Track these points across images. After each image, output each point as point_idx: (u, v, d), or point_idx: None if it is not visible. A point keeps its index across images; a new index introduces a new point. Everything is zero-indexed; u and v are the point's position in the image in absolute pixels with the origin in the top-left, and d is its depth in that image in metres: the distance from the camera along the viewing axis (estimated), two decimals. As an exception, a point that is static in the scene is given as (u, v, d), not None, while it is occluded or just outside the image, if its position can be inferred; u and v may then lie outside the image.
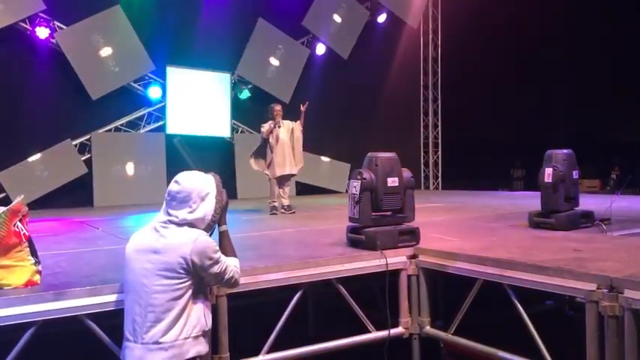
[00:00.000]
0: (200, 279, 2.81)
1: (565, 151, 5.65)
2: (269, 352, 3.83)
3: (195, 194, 2.85)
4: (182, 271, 2.72)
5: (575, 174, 5.66)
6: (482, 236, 5.33)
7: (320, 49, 13.69)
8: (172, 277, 2.72)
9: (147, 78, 11.84)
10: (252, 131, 12.60)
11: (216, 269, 2.81)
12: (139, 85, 11.81)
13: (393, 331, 4.32)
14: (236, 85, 12.77)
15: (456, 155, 15.45)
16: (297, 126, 8.63)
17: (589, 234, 5.27)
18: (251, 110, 12.46)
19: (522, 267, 3.75)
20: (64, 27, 10.94)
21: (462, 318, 4.17)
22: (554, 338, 3.67)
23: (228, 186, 11.48)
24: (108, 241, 5.79)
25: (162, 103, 11.99)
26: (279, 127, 8.48)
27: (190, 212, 2.84)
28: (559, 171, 5.49)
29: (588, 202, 6.38)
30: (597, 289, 3.25)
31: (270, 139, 8.51)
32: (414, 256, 4.50)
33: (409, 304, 4.43)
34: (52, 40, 10.78)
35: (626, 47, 14.74)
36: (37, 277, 3.29)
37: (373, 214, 4.53)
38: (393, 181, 4.53)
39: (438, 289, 4.82)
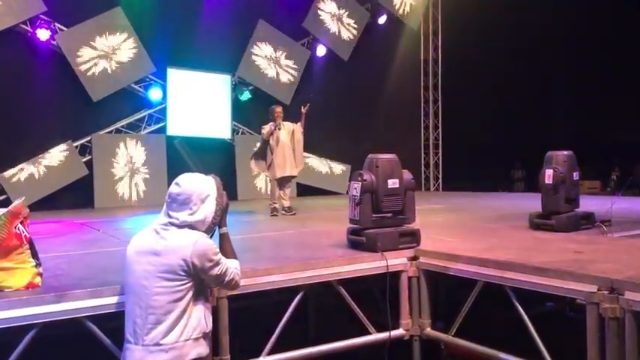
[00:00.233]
0: (200, 281, 2.81)
1: (565, 152, 5.65)
2: (270, 353, 3.83)
3: (196, 196, 2.86)
4: (182, 273, 2.72)
5: (575, 175, 5.66)
6: (483, 237, 5.33)
7: (320, 50, 13.69)
8: (173, 279, 2.72)
9: (147, 79, 11.85)
10: (252, 132, 12.62)
11: (216, 271, 2.82)
12: (140, 86, 11.81)
13: (394, 332, 4.32)
14: (237, 87, 12.78)
15: (456, 156, 15.44)
16: (298, 127, 8.63)
17: (589, 235, 5.27)
18: (251, 112, 12.47)
19: (523, 269, 3.75)
20: (65, 28, 10.94)
21: (463, 319, 4.17)
22: (555, 340, 3.67)
23: (229, 187, 11.45)
24: (108, 242, 5.79)
25: (163, 105, 12.00)
26: (280, 129, 8.48)
27: (191, 214, 2.84)
28: (559, 172, 5.49)
29: (589, 204, 6.37)
30: (598, 290, 3.26)
31: (271, 141, 8.51)
32: (414, 258, 4.50)
33: (410, 305, 4.43)
34: (52, 41, 10.79)
35: (627, 48, 14.75)
36: (37, 279, 3.30)
37: (374, 215, 4.53)
38: (393, 183, 4.53)
39: (439, 290, 4.82)
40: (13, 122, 10.35)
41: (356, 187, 4.51)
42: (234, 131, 12.83)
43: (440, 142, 15.94)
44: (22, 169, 10.49)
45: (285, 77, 13.21)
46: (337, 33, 13.85)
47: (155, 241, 2.79)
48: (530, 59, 15.53)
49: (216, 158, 12.39)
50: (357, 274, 4.27)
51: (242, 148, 12.53)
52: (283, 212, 8.57)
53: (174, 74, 11.96)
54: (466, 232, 5.90)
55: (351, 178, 4.67)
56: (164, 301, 2.71)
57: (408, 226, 4.68)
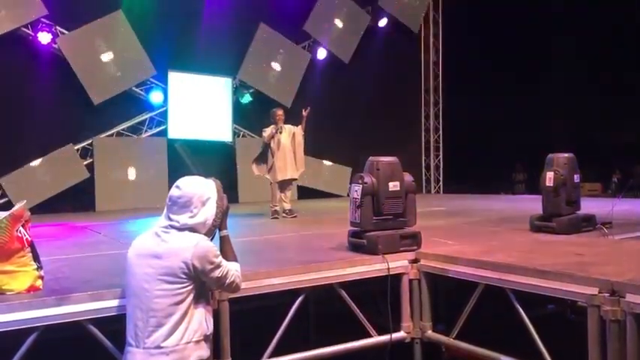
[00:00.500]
0: (201, 283, 2.82)
1: (566, 154, 5.65)
2: (271, 356, 3.83)
3: (196, 199, 2.86)
4: (183, 276, 2.73)
5: (576, 178, 5.65)
6: (484, 240, 5.33)
7: (321, 53, 13.72)
8: (173, 281, 2.72)
9: (148, 83, 11.88)
10: (253, 135, 12.63)
11: (217, 274, 2.82)
12: (141, 89, 11.84)
13: (395, 335, 4.32)
14: (237, 90, 12.80)
15: (457, 159, 15.45)
16: (299, 130, 8.63)
17: (590, 238, 5.27)
18: (252, 114, 12.49)
19: (523, 271, 3.75)
20: (66, 32, 10.98)
21: (464, 322, 4.17)
22: (556, 342, 3.66)
23: (230, 190, 11.46)
24: (110, 245, 5.79)
25: (164, 108, 12.01)
26: (281, 132, 8.48)
27: (191, 217, 2.84)
28: (560, 175, 5.49)
29: (590, 206, 6.37)
30: (599, 293, 3.25)
31: (272, 144, 8.51)
32: (415, 261, 4.50)
33: (411, 308, 4.43)
34: (54, 45, 10.83)
35: (626, 50, 14.76)
36: (39, 283, 3.30)
37: (374, 218, 4.53)
38: (394, 186, 4.53)
39: (440, 293, 4.82)
40: (15, 125, 10.38)
41: (357, 190, 4.51)
42: (235, 134, 12.85)
43: (440, 144, 15.96)
44: (23, 172, 10.50)
45: (285, 80, 13.22)
46: (338, 36, 13.87)
47: (156, 244, 2.80)
48: (530, 61, 15.54)
49: (217, 161, 12.41)
50: (358, 276, 4.26)
51: (243, 151, 12.55)
52: (284, 215, 8.57)
53: (175, 77, 11.98)
54: (467, 234, 5.90)
55: (352, 181, 4.67)
56: (165, 303, 2.71)
57: (409, 229, 4.68)
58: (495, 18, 14.10)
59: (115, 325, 3.21)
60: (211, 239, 2.92)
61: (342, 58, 13.94)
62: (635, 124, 14.64)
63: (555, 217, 5.53)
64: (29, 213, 3.29)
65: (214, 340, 3.29)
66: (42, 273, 3.34)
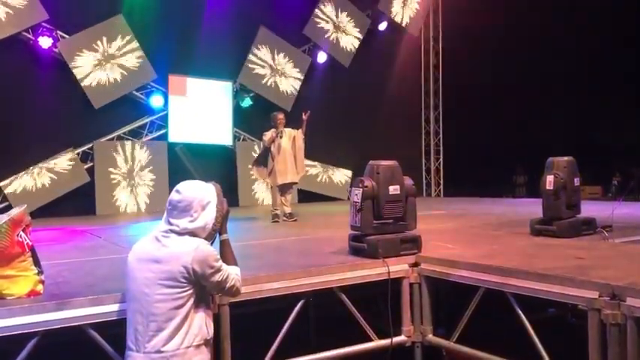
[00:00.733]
0: (201, 288, 2.82)
1: (566, 158, 5.66)
2: (271, 360, 3.83)
3: (197, 203, 2.86)
4: (183, 280, 2.73)
5: (576, 181, 5.66)
6: (484, 244, 5.33)
7: (321, 57, 13.73)
8: (174, 286, 2.72)
9: (149, 87, 11.88)
10: (253, 139, 12.64)
11: (217, 278, 2.82)
12: (141, 93, 11.85)
13: (396, 339, 4.32)
14: (238, 94, 12.81)
15: (457, 162, 15.45)
16: (299, 134, 8.64)
17: (591, 241, 5.27)
18: (252, 118, 12.50)
19: (524, 275, 3.75)
20: (67, 36, 11.00)
21: (465, 326, 4.17)
22: (557, 346, 3.66)
23: (230, 193, 11.55)
24: (110, 250, 5.80)
25: (165, 112, 12.03)
26: (281, 137, 8.48)
27: (191, 221, 2.84)
28: (560, 178, 5.50)
29: (590, 209, 6.37)
30: (599, 297, 3.25)
31: (272, 148, 8.52)
32: (415, 264, 4.50)
33: (411, 312, 4.43)
34: (54, 49, 10.84)
35: (626, 53, 14.77)
36: (39, 287, 3.30)
37: (375, 222, 4.53)
38: (394, 189, 4.54)
39: (440, 296, 4.82)
40: (15, 129, 10.39)
41: (357, 194, 4.51)
42: (236, 138, 12.85)
43: (441, 147, 15.96)
44: (23, 177, 10.51)
45: (286, 84, 13.25)
46: (338, 40, 13.90)
47: (156, 249, 2.80)
48: (530, 64, 15.55)
49: (217, 165, 12.41)
50: (358, 280, 4.26)
51: (243, 155, 12.57)
52: (284, 218, 8.57)
53: (175, 81, 11.99)
54: (467, 238, 5.90)
55: (352, 185, 4.67)
56: (165, 308, 2.71)
57: (409, 233, 4.68)
58: (496, 20, 14.10)
59: (115, 330, 3.21)
60: (211, 243, 2.93)
61: (342, 61, 13.95)
62: (636, 125, 14.64)
63: (555, 221, 5.53)
64: (29, 217, 3.30)
65: (215, 344, 3.29)
66: (42, 277, 3.34)
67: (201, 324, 2.81)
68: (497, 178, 16.05)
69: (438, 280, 4.41)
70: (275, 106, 11.79)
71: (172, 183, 3.26)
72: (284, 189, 8.63)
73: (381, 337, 4.29)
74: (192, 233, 2.84)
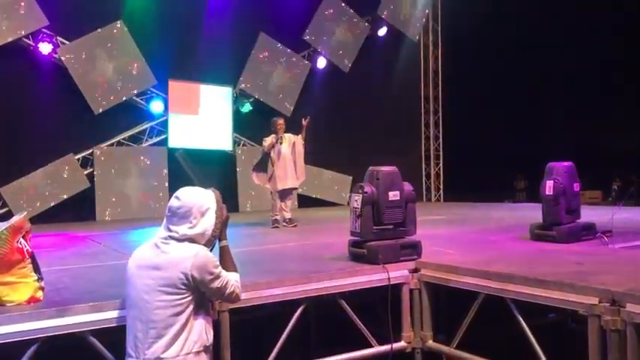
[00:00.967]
0: (201, 294, 2.82)
1: (566, 163, 5.67)
2: (271, 366, 3.83)
3: (196, 209, 2.87)
4: (183, 287, 2.73)
5: (576, 186, 5.67)
6: (484, 249, 5.33)
7: (321, 62, 13.76)
8: (173, 292, 2.72)
9: (149, 92, 11.91)
10: (253, 144, 12.65)
11: (216, 284, 2.82)
12: (141, 99, 11.87)
13: (396, 345, 4.31)
14: (238, 99, 12.83)
15: (457, 167, 15.45)
16: (299, 140, 8.64)
17: (591, 246, 5.27)
18: (252, 123, 12.51)
19: (524, 281, 3.75)
20: (67, 42, 11.02)
21: (465, 332, 4.17)
22: (557, 351, 3.66)
23: (230, 199, 11.56)
24: (110, 256, 5.80)
25: (165, 117, 12.04)
26: (281, 143, 8.49)
27: (191, 228, 2.85)
28: (560, 183, 5.50)
29: (590, 214, 6.38)
30: (599, 303, 3.25)
31: (272, 153, 8.52)
32: (415, 270, 4.50)
33: (411, 318, 4.43)
34: (54, 55, 10.87)
35: (626, 59, 14.79)
36: (39, 294, 3.30)
37: (375, 227, 4.53)
38: (394, 195, 4.54)
39: (440, 302, 4.81)
40: (16, 135, 10.42)
41: (357, 200, 4.51)
42: (236, 143, 12.86)
43: (440, 152, 15.98)
44: (24, 182, 10.52)
45: (285, 89, 13.26)
46: (337, 45, 13.92)
47: (155, 255, 2.80)
48: (530, 69, 15.57)
49: (217, 170, 12.42)
50: (358, 286, 4.26)
51: (243, 160, 12.58)
52: (284, 224, 8.57)
53: (175, 86, 12.01)
54: (467, 243, 5.90)
55: (352, 191, 4.67)
56: (165, 315, 2.72)
57: (409, 238, 4.68)
58: (495, 26, 14.13)
59: (115, 336, 3.21)
60: (211, 250, 2.93)
61: (342, 67, 13.98)
62: (637, 133, 14.64)
63: (555, 226, 5.53)
64: (29, 224, 3.30)
65: (215, 350, 3.28)
66: (42, 284, 3.34)
67: (200, 330, 2.81)
68: (498, 183, 16.04)
69: (438, 286, 4.41)
70: (275, 112, 11.83)
71: (172, 188, 3.27)
72: (284, 195, 8.63)
73: (381, 343, 4.29)
74: (192, 240, 2.85)
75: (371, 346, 4.27)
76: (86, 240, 7.54)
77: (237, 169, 12.66)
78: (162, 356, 2.70)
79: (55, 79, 10.99)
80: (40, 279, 3.32)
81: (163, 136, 12.08)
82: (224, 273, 2.89)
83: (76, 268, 4.94)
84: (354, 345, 4.27)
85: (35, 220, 9.12)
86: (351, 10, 14.04)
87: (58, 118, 10.93)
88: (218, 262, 2.89)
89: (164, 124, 12.07)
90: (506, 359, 3.88)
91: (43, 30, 10.70)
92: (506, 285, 3.83)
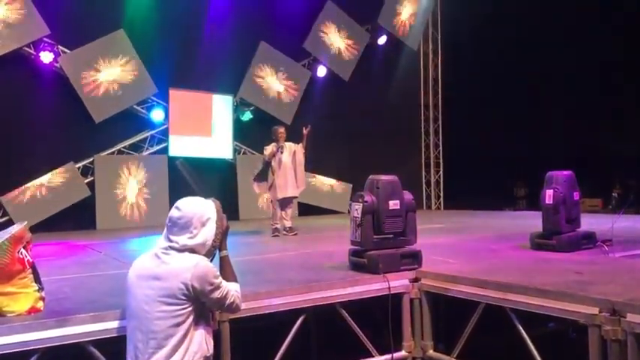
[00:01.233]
0: (201, 304, 2.82)
1: (565, 172, 5.68)
2: (272, 376, 3.83)
3: (196, 219, 2.87)
4: (183, 297, 2.73)
5: (575, 195, 5.67)
6: (484, 258, 5.33)
7: (321, 71, 13.80)
8: (173, 303, 2.73)
9: (150, 101, 11.94)
10: (254, 152, 12.67)
11: (217, 295, 2.82)
12: (142, 107, 11.90)
13: (396, 354, 4.31)
14: (238, 107, 12.86)
15: (457, 175, 15.46)
16: (300, 148, 8.66)
17: (591, 256, 5.27)
18: (253, 132, 12.54)
19: (524, 290, 3.75)
20: (68, 51, 11.06)
21: (465, 341, 4.16)
22: (557, 361, 3.66)
23: (230, 207, 11.55)
24: (110, 265, 5.80)
25: (165, 126, 12.06)
26: (282, 152, 8.50)
27: (191, 238, 2.85)
28: (559, 192, 5.51)
29: (590, 222, 6.38)
30: (599, 313, 3.26)
31: (273, 162, 8.53)
32: (416, 280, 4.50)
33: (412, 327, 4.42)
34: (55, 64, 10.91)
35: (627, 65, 14.81)
36: (40, 304, 3.30)
37: (375, 237, 4.54)
38: (394, 204, 4.54)
39: (441, 311, 4.81)
40: (16, 143, 10.44)
41: (357, 209, 4.52)
42: (236, 151, 12.88)
43: (441, 160, 15.99)
44: (24, 191, 10.53)
45: (286, 98, 13.30)
46: (337, 54, 13.97)
47: (156, 266, 2.81)
48: (529, 76, 15.60)
49: (217, 178, 12.44)
50: (358, 296, 4.26)
51: (243, 168, 12.58)
52: (285, 233, 8.57)
53: (176, 95, 12.04)
54: (467, 252, 5.90)
55: (352, 199, 4.68)
56: (165, 325, 2.72)
57: (410, 248, 4.68)
58: (494, 32, 14.18)
59: (115, 346, 3.21)
60: (211, 260, 2.93)
61: (342, 75, 14.02)
62: (637, 140, 14.64)
63: (555, 235, 5.54)
64: (30, 234, 3.31)
65: (215, 361, 3.29)
66: (43, 294, 3.34)
67: (201, 341, 2.81)
68: (498, 191, 16.04)
69: (438, 296, 4.41)
70: (275, 120, 11.85)
71: (173, 197, 3.28)
72: (284, 203, 8.64)
73: (381, 353, 4.28)
74: (192, 250, 2.85)
75: (371, 356, 4.27)
76: (86, 249, 7.54)
77: (238, 178, 12.66)
78: (162, 366, 2.70)
79: (55, 88, 11.01)
80: (40, 289, 3.32)
81: (164, 145, 12.10)
82: (224, 283, 2.89)
83: (77, 278, 4.94)
84: (354, 354, 4.26)
85: (36, 228, 9.10)
86: (351, 19, 14.09)
87: (58, 126, 10.94)
88: (218, 273, 2.89)
89: (165, 133, 12.09)
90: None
91: (45, 39, 10.74)
92: (506, 295, 3.84)
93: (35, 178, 10.66)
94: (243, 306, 3.10)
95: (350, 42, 14.12)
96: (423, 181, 15.98)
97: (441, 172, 15.96)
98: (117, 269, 5.20)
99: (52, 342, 3.14)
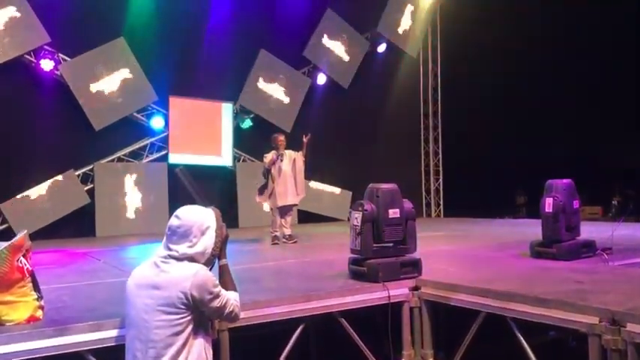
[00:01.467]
0: (200, 314, 2.81)
1: (565, 180, 5.68)
2: (271, 386, 3.81)
3: (196, 228, 2.87)
4: (182, 306, 2.72)
5: (575, 204, 5.67)
6: (484, 266, 5.33)
7: (321, 78, 13.83)
8: (172, 312, 2.72)
9: (150, 108, 11.95)
10: (254, 160, 12.68)
11: (216, 303, 2.82)
12: (142, 115, 11.92)
13: (396, 364, 4.30)
14: (238, 115, 12.88)
15: (457, 183, 15.46)
16: (299, 156, 8.66)
17: (591, 264, 5.26)
18: (253, 139, 12.55)
19: (524, 299, 3.75)
20: (69, 59, 11.09)
21: (465, 350, 4.15)
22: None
23: (230, 215, 11.55)
24: (110, 273, 5.79)
25: (165, 133, 12.07)
26: (282, 160, 8.50)
27: (190, 246, 2.85)
28: (559, 201, 5.51)
29: (590, 230, 6.38)
30: (599, 322, 3.25)
31: (272, 170, 8.53)
32: (416, 288, 4.49)
33: (412, 336, 4.42)
34: (56, 71, 10.93)
35: (627, 72, 14.85)
36: (39, 313, 3.30)
37: (375, 245, 4.53)
38: (394, 213, 4.54)
39: (440, 320, 4.80)
40: (16, 151, 10.44)
41: (357, 217, 4.52)
42: (236, 158, 12.89)
43: (440, 168, 16.01)
44: (24, 198, 10.52)
45: (286, 105, 13.32)
46: (337, 61, 14.00)
47: (155, 274, 2.80)
48: (529, 84, 15.63)
49: (217, 186, 12.44)
50: (358, 305, 4.26)
51: (243, 176, 12.59)
52: (284, 240, 8.56)
53: (176, 102, 12.06)
54: (467, 260, 5.90)
55: (352, 208, 4.68)
56: (164, 334, 2.71)
57: (410, 256, 4.68)
58: (494, 42, 14.22)
59: (114, 355, 3.20)
60: (210, 269, 2.93)
61: (342, 83, 14.05)
62: (637, 148, 14.65)
63: (555, 243, 5.54)
64: (30, 242, 3.30)
65: (214, 370, 3.28)
66: (42, 303, 3.34)
67: (200, 350, 2.80)
68: (498, 199, 16.03)
69: (438, 304, 4.40)
70: (275, 128, 11.86)
71: (172, 204, 3.28)
72: (284, 211, 8.63)
73: (381, 362, 4.28)
74: (192, 259, 2.84)
75: (371, 365, 4.26)
76: (86, 256, 7.54)
77: (237, 185, 12.66)
78: (161, 376, 2.69)
79: (56, 96, 11.03)
80: (39, 298, 3.32)
81: (164, 152, 12.11)
82: (223, 292, 2.89)
83: (76, 286, 4.93)
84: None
85: (35, 236, 9.08)
86: (351, 27, 14.13)
87: (58, 133, 10.95)
88: (217, 282, 2.89)
89: (164, 140, 12.10)
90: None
91: (45, 47, 10.76)
92: (506, 303, 3.83)
93: (35, 186, 10.66)
94: (242, 315, 3.10)
95: (350, 50, 14.16)
96: (423, 188, 15.98)
97: (441, 179, 15.97)
98: (116, 277, 5.19)
99: (51, 351, 3.14)
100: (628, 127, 15.18)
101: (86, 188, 11.23)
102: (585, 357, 3.34)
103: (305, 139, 8.61)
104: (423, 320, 4.42)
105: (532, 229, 6.85)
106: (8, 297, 3.17)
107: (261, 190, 8.79)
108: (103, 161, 11.52)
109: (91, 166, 11.36)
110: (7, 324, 3.16)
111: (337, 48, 13.99)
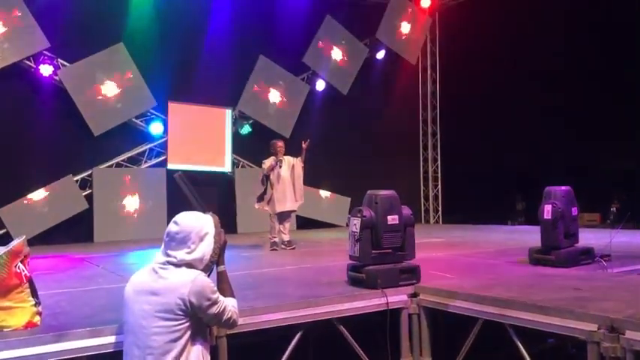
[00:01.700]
0: (199, 320, 2.81)
1: (563, 187, 5.70)
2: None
3: (194, 234, 2.87)
4: (180, 313, 2.72)
5: (574, 210, 5.69)
6: (483, 273, 5.33)
7: (320, 84, 13.84)
8: (170, 318, 2.72)
9: (149, 114, 11.95)
10: (252, 165, 12.67)
11: (214, 310, 2.81)
12: (141, 120, 11.92)
13: (395, 370, 4.29)
14: (237, 121, 12.89)
15: (456, 189, 15.45)
16: (298, 162, 8.66)
17: (589, 271, 5.27)
18: (251, 145, 12.54)
19: (523, 306, 3.75)
20: (68, 64, 11.09)
21: (464, 357, 4.14)
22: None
23: (228, 221, 11.55)
24: (108, 279, 5.78)
25: (164, 139, 12.07)
26: (281, 167, 8.50)
27: (189, 253, 2.85)
28: (558, 208, 5.52)
29: (588, 237, 6.39)
30: (598, 329, 3.25)
31: (271, 176, 8.53)
32: (414, 295, 4.49)
33: (410, 343, 4.41)
34: (55, 77, 10.93)
35: (626, 79, 14.87)
36: (37, 319, 3.29)
37: (373, 252, 4.53)
38: (393, 219, 4.54)
39: (439, 327, 4.79)
40: (15, 156, 10.43)
41: (355, 224, 4.52)
42: (234, 164, 12.89)
43: (439, 174, 16.01)
44: (22, 203, 10.51)
45: (285, 111, 13.33)
46: (336, 68, 14.02)
47: (153, 281, 2.80)
48: (529, 91, 15.66)
49: (216, 191, 12.43)
50: (357, 311, 4.25)
51: (242, 181, 12.58)
52: (283, 246, 8.55)
53: (175, 108, 12.07)
54: (466, 267, 5.90)
55: (351, 214, 4.68)
56: (162, 341, 2.70)
57: (408, 263, 4.68)
58: (493, 48, 14.25)
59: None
60: (208, 275, 2.92)
61: (341, 89, 14.06)
62: (636, 155, 14.66)
63: (554, 250, 5.54)
64: (28, 248, 3.30)
65: (212, 377, 3.27)
66: (40, 309, 3.33)
67: (198, 356, 2.80)
68: (497, 205, 16.03)
69: (436, 311, 4.40)
70: (274, 134, 11.85)
71: (171, 210, 3.28)
72: (282, 217, 8.62)
73: (379, 369, 4.26)
74: (190, 265, 2.84)
75: (370, 372, 4.25)
76: (84, 262, 7.52)
77: (236, 191, 12.66)
78: (159, 382, 2.68)
79: (55, 101, 11.02)
80: (37, 304, 3.31)
81: (162, 158, 12.10)
82: (221, 298, 2.88)
83: (74, 292, 4.93)
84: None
85: (33, 241, 9.06)
86: (350, 34, 14.15)
87: (57, 139, 10.95)
88: (216, 288, 2.89)
89: (163, 146, 12.10)
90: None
91: (44, 52, 10.77)
92: (505, 310, 3.83)
93: (33, 191, 10.64)
94: (240, 321, 3.09)
95: (349, 56, 14.18)
96: (422, 195, 15.98)
97: (440, 186, 15.97)
98: (114, 283, 5.18)
99: (49, 357, 3.13)
100: (627, 134, 15.20)
101: (85, 193, 11.21)
102: (584, 364, 3.34)
103: (304, 145, 8.61)
104: (422, 327, 4.42)
105: (531, 236, 6.85)
106: (6, 303, 3.16)
107: (260, 197, 8.78)
108: (102, 166, 11.51)
109: (89, 172, 11.35)
110: (5, 330, 3.15)
111: (336, 54, 14.02)
